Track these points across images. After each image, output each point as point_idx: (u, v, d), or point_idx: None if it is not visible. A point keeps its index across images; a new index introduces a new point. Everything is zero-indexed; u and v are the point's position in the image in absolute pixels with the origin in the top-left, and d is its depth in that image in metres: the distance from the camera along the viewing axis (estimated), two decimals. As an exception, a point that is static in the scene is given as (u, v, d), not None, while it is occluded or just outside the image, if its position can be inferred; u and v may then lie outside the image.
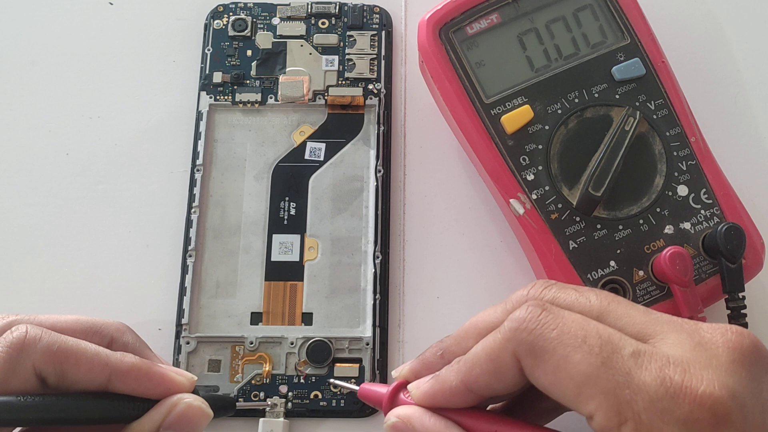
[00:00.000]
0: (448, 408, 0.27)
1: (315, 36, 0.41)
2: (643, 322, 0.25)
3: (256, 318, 0.36)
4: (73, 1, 0.44)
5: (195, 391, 0.30)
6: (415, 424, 0.27)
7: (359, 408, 0.35)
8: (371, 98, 0.40)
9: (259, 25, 0.42)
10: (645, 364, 0.23)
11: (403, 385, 0.29)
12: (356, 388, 0.31)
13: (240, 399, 0.35)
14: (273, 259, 0.37)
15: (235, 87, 0.40)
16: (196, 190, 0.38)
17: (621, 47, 0.35)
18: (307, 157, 0.39)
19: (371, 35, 0.41)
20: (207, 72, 0.41)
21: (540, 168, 0.34)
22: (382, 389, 0.29)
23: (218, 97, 0.40)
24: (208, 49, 0.41)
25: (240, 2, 0.42)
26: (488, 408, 0.29)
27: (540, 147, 0.34)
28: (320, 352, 0.36)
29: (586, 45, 0.35)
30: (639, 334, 0.24)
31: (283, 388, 0.35)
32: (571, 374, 0.23)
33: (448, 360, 0.27)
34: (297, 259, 0.37)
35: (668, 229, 0.34)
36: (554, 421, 0.29)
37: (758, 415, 0.23)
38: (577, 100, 0.35)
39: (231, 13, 0.42)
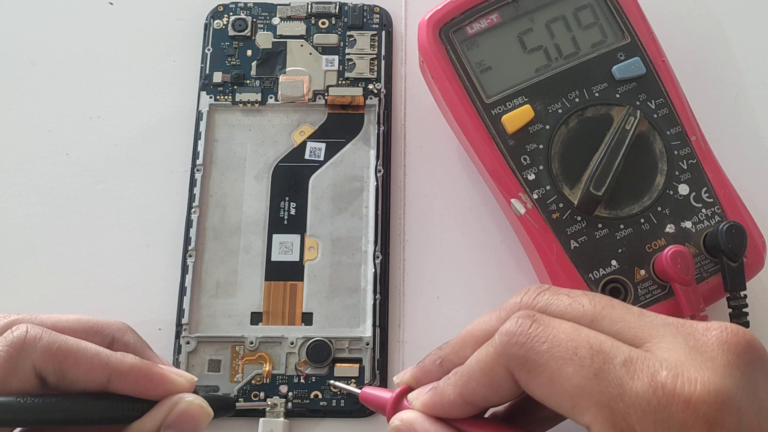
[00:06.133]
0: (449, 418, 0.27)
1: (315, 36, 0.41)
2: (638, 326, 0.24)
3: (256, 318, 0.36)
4: (73, 1, 0.43)
5: (195, 392, 0.30)
6: (417, 428, 0.27)
7: (359, 408, 0.35)
8: (371, 98, 0.40)
9: (259, 25, 0.41)
10: (637, 373, 0.22)
11: (406, 391, 0.29)
12: (357, 391, 0.31)
13: (240, 399, 0.35)
14: (273, 259, 0.37)
15: (235, 87, 0.40)
16: (196, 190, 0.38)
17: (621, 46, 0.35)
18: (307, 157, 0.39)
19: (371, 35, 0.41)
20: (207, 72, 0.41)
21: (541, 167, 0.34)
22: (385, 394, 0.30)
23: (218, 97, 0.40)
24: (208, 49, 0.41)
25: (240, 2, 0.42)
26: (491, 411, 0.29)
27: (541, 147, 0.34)
28: (320, 352, 0.35)
29: (586, 44, 0.35)
30: (634, 339, 0.24)
31: (283, 388, 0.35)
32: (565, 387, 0.23)
33: (447, 369, 0.27)
34: (297, 259, 0.37)
35: (669, 228, 0.33)
36: (556, 427, 0.29)
37: (754, 416, 0.22)
38: (577, 100, 0.34)
39: (231, 13, 0.42)
